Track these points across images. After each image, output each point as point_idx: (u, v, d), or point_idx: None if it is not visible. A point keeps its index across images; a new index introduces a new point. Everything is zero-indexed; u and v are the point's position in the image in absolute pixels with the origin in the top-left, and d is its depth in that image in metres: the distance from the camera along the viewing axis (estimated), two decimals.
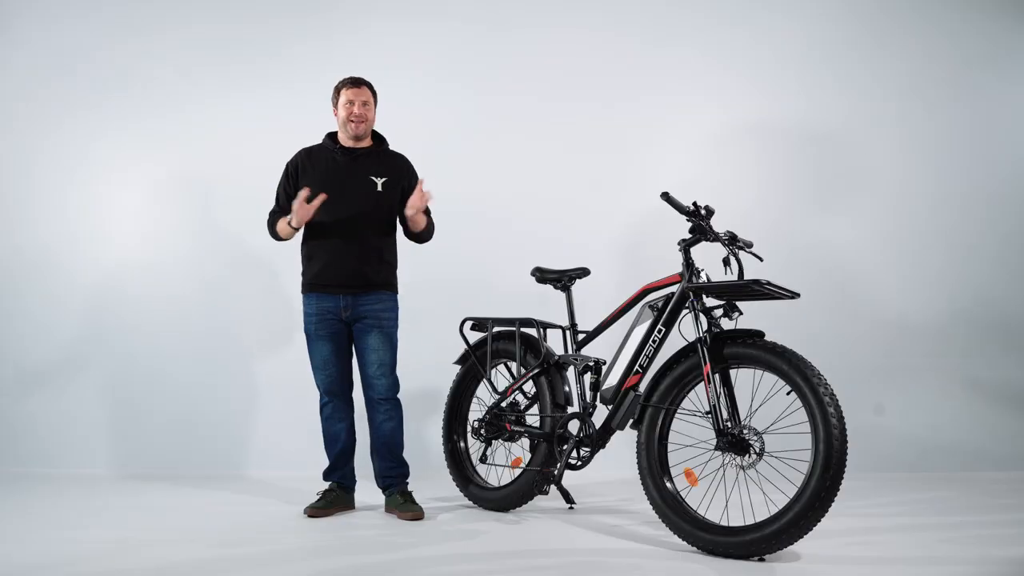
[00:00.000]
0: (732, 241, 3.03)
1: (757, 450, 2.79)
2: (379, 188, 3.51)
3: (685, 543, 2.86)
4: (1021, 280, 4.99)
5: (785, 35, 5.05)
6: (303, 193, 3.33)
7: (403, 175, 3.60)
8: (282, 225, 3.46)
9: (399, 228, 3.65)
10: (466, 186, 4.49)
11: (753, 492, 2.89)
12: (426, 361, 4.02)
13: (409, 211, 3.48)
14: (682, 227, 3.13)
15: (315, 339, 3.51)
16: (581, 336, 3.56)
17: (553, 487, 3.57)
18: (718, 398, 2.87)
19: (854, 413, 3.00)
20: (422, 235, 3.63)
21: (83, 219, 4.74)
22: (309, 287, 3.51)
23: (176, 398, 4.66)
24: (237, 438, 4.66)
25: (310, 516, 3.43)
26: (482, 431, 3.67)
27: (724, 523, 2.81)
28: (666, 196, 3.05)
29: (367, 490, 3.67)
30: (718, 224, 3.11)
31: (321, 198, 3.35)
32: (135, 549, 2.85)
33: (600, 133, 4.96)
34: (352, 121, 3.50)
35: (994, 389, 4.90)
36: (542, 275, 3.69)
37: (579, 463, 3.37)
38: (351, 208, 3.46)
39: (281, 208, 3.54)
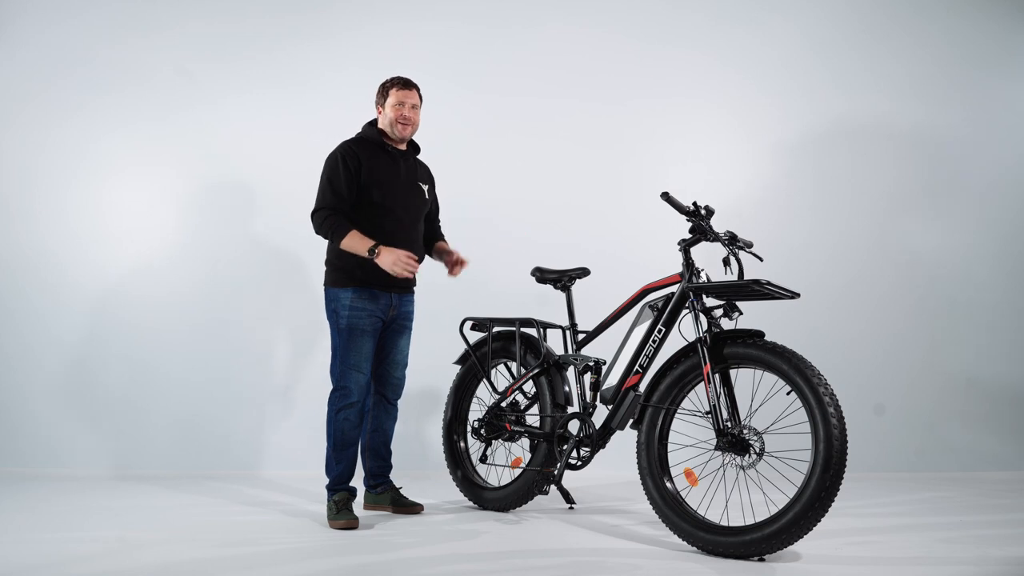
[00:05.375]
0: (732, 241, 3.02)
1: (757, 450, 2.79)
2: (426, 196, 3.59)
3: (685, 543, 2.86)
4: (1021, 279, 4.99)
5: (785, 35, 5.06)
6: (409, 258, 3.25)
7: (433, 186, 3.69)
8: (358, 245, 3.24)
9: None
10: (466, 186, 4.48)
11: (753, 492, 2.89)
12: (426, 361, 4.01)
13: (450, 269, 3.61)
14: (682, 227, 3.13)
15: (361, 334, 3.35)
16: (581, 336, 3.56)
17: (553, 487, 3.56)
18: (718, 398, 2.87)
19: (854, 413, 3.00)
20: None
21: (83, 219, 4.74)
22: (362, 283, 3.35)
23: (177, 398, 4.66)
24: (238, 438, 4.66)
25: (346, 528, 3.20)
26: (482, 431, 3.67)
27: (724, 523, 2.81)
28: (666, 196, 3.05)
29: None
30: (718, 224, 3.11)
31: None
32: (135, 549, 2.85)
33: (600, 133, 4.97)
34: (400, 123, 3.46)
35: (994, 389, 4.91)
36: (542, 275, 3.69)
37: (579, 463, 3.36)
38: (409, 211, 3.47)
39: (343, 202, 3.31)
